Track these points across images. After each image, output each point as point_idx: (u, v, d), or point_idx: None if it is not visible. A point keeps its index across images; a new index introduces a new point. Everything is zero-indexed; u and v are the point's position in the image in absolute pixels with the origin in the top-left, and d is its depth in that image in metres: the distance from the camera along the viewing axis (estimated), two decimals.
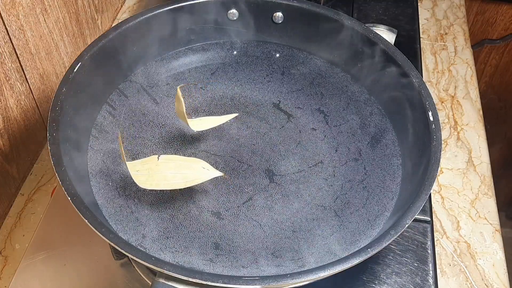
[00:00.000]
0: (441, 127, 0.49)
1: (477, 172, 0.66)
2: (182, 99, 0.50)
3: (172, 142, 0.54)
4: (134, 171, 0.46)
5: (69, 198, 0.42)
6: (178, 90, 0.49)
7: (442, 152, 0.47)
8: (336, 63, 0.61)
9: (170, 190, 0.49)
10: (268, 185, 0.51)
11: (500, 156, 1.30)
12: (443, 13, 0.88)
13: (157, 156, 0.47)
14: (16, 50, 0.58)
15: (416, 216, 0.45)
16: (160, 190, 0.49)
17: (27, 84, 0.62)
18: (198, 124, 0.53)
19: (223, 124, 0.55)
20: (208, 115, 0.56)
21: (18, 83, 0.60)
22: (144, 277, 0.52)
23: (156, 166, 0.47)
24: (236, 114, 0.55)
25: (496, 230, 0.60)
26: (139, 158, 0.52)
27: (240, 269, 0.45)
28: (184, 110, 0.51)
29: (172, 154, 0.53)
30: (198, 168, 0.48)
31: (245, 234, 0.47)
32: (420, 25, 0.83)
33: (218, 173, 0.48)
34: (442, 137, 0.48)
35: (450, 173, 0.65)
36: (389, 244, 0.41)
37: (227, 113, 0.56)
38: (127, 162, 0.46)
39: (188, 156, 0.52)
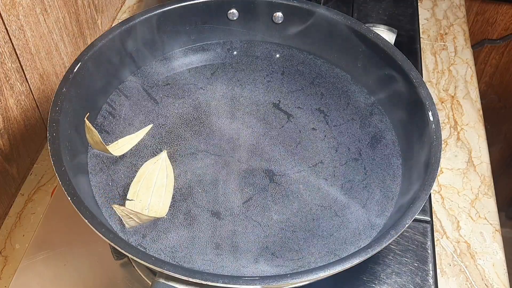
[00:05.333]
0: (441, 127, 0.49)
1: (477, 172, 0.66)
2: (93, 128, 0.49)
3: (172, 142, 0.54)
4: (148, 217, 0.47)
5: (69, 198, 0.42)
6: (86, 120, 0.48)
7: (442, 152, 0.46)
8: (336, 63, 0.61)
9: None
10: (268, 185, 0.51)
11: (500, 156, 1.30)
12: (443, 13, 0.88)
13: (127, 201, 0.47)
14: (16, 50, 0.58)
15: (416, 216, 0.45)
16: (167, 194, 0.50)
17: (27, 84, 0.62)
18: (118, 149, 0.52)
19: (223, 124, 0.55)
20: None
21: (18, 83, 0.60)
22: (144, 277, 0.52)
23: (141, 202, 0.48)
24: (151, 125, 0.54)
25: (496, 230, 0.60)
26: (140, 157, 0.52)
27: (240, 269, 0.45)
28: (100, 139, 0.49)
29: (172, 154, 0.53)
30: (154, 169, 0.49)
31: (245, 234, 0.47)
32: (420, 25, 0.83)
33: (164, 153, 0.51)
34: (442, 137, 0.48)
35: (450, 173, 0.65)
36: (389, 244, 0.41)
37: (227, 113, 0.56)
38: (139, 222, 0.47)
39: (188, 156, 0.52)
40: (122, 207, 0.44)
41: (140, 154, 0.52)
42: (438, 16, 0.88)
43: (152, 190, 0.48)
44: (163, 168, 0.50)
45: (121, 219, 0.45)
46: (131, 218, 0.45)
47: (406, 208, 0.43)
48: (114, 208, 0.44)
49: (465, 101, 0.74)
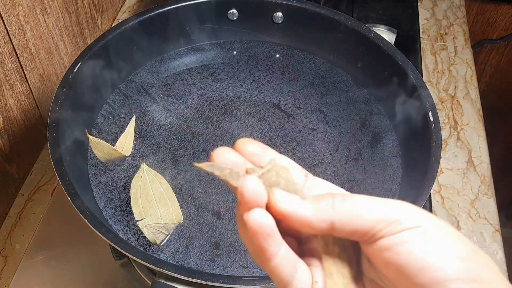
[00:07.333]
0: (441, 127, 0.49)
1: (477, 172, 0.66)
2: (100, 140, 0.48)
3: (171, 142, 0.54)
4: (173, 225, 0.47)
5: (69, 198, 0.42)
6: (90, 136, 0.48)
7: (442, 152, 0.46)
8: (336, 63, 0.61)
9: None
10: None
11: (500, 156, 1.30)
12: (443, 13, 0.88)
13: (138, 222, 0.47)
14: (16, 50, 0.58)
15: None
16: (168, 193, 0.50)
17: (27, 84, 0.62)
18: (125, 148, 0.52)
19: (223, 124, 0.55)
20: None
21: (18, 83, 0.60)
22: (144, 277, 0.52)
23: (152, 217, 0.48)
24: (134, 117, 0.54)
25: (496, 230, 0.60)
26: (140, 157, 0.52)
27: (240, 269, 0.45)
28: (111, 147, 0.49)
29: (172, 154, 0.53)
30: (145, 182, 0.49)
31: None
32: (420, 25, 0.83)
33: (143, 165, 0.49)
34: (442, 137, 0.48)
35: (450, 173, 0.65)
36: None
37: (227, 114, 0.56)
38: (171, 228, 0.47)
39: (188, 156, 0.52)
40: (152, 223, 0.44)
41: (140, 154, 0.52)
42: (438, 16, 0.88)
43: (155, 203, 0.48)
44: (152, 179, 0.49)
45: (150, 240, 0.45)
46: (161, 232, 0.45)
47: None
48: (144, 228, 0.44)
49: (465, 101, 0.74)
